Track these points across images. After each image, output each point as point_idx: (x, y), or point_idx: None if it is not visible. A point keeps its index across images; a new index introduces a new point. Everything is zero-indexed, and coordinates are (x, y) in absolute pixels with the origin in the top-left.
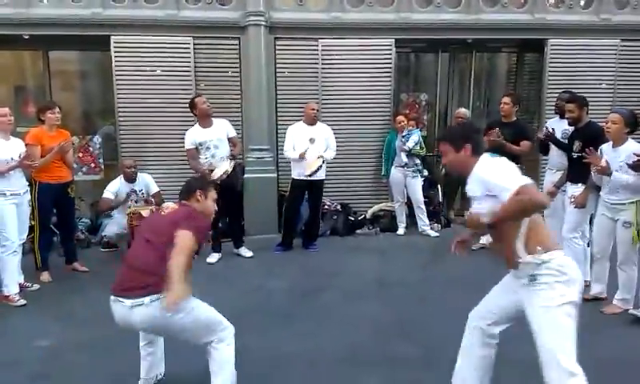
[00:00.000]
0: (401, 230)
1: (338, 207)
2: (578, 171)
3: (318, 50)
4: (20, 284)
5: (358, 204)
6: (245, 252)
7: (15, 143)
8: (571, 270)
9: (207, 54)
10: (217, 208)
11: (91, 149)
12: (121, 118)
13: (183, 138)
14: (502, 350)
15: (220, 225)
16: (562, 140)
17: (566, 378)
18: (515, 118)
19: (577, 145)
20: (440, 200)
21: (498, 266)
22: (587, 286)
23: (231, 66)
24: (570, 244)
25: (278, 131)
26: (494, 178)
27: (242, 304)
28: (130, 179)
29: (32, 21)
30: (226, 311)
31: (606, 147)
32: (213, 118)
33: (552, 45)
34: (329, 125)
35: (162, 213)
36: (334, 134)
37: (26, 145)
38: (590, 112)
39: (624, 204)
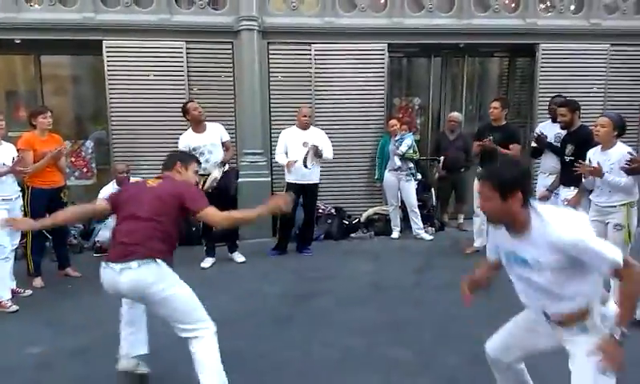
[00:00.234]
0: (395, 234)
1: (333, 211)
2: (570, 174)
3: (311, 54)
4: (12, 290)
5: (352, 208)
6: (238, 257)
7: (7, 148)
8: None
9: (200, 58)
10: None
11: (83, 153)
12: (113, 123)
13: (176, 143)
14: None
15: (214, 229)
16: (555, 144)
17: None
18: (505, 122)
19: (569, 148)
20: (434, 203)
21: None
22: None
23: (224, 70)
24: None
25: (272, 135)
26: (589, 242)
27: (235, 309)
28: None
29: (23, 25)
30: (220, 316)
31: (594, 151)
32: (206, 123)
33: (543, 49)
34: (322, 129)
35: (147, 185)
36: (328, 137)
37: (17, 150)
38: (581, 116)
39: (614, 206)
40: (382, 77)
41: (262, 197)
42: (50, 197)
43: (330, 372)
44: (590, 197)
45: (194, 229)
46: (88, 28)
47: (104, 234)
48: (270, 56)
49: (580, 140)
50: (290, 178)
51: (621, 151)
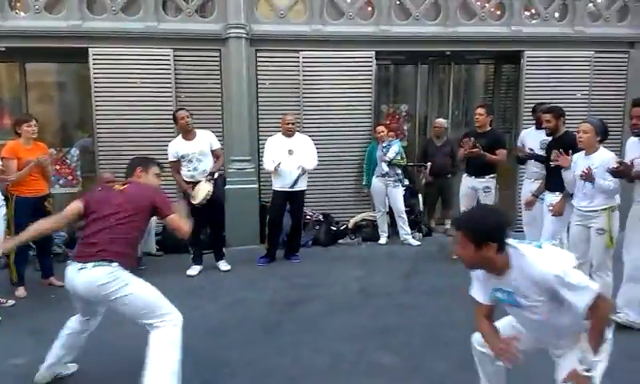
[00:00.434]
0: (383, 240)
1: (320, 217)
2: (555, 180)
3: (299, 62)
4: None
5: (340, 214)
6: (223, 266)
7: None
8: None
9: (188, 66)
10: (195, 219)
11: (68, 161)
12: (99, 131)
13: (162, 150)
14: None
15: (202, 237)
16: (540, 150)
17: None
18: (489, 128)
19: (554, 154)
20: (421, 209)
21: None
22: None
23: (212, 78)
24: None
25: (260, 142)
26: (569, 277)
27: (223, 317)
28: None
29: (8, 32)
30: (208, 324)
31: (577, 155)
32: (196, 130)
33: (528, 56)
34: (310, 136)
35: (114, 189)
36: (316, 144)
37: (1, 158)
38: (565, 122)
39: (596, 211)
40: (370, 84)
41: (249, 204)
42: (34, 205)
43: (319, 378)
44: (573, 202)
45: (179, 237)
46: (74, 36)
47: None
48: (258, 63)
49: (565, 146)
50: (276, 186)
51: (603, 156)
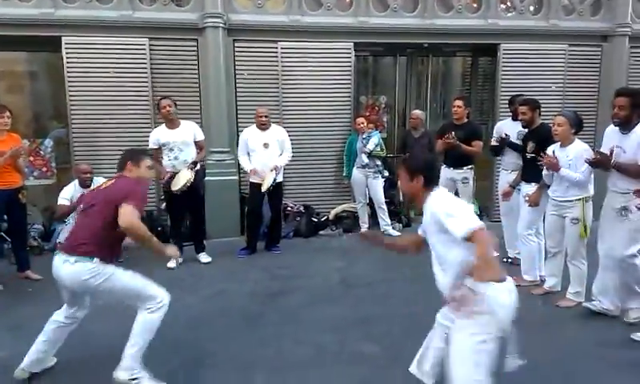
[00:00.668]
0: (363, 230)
1: (301, 209)
2: (531, 171)
3: (277, 52)
4: None
5: (321, 205)
6: (204, 258)
7: None
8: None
9: (164, 55)
10: (175, 210)
11: (42, 152)
12: (74, 121)
13: (138, 140)
14: None
15: (182, 229)
16: (517, 141)
17: None
18: (467, 120)
19: (530, 146)
20: (401, 200)
21: None
22: (543, 280)
23: (189, 68)
24: (525, 241)
25: (239, 133)
26: (454, 211)
27: (204, 309)
28: (86, 185)
29: None
30: (189, 317)
31: (553, 147)
32: (181, 121)
33: (504, 49)
34: (290, 127)
35: (102, 186)
36: (296, 135)
37: None
38: (541, 114)
39: (571, 201)
40: (349, 75)
41: (229, 195)
42: (8, 198)
43: (302, 368)
44: (549, 192)
45: (159, 229)
46: (46, 24)
47: (65, 235)
48: (236, 54)
49: (541, 137)
50: (253, 179)
51: (578, 148)
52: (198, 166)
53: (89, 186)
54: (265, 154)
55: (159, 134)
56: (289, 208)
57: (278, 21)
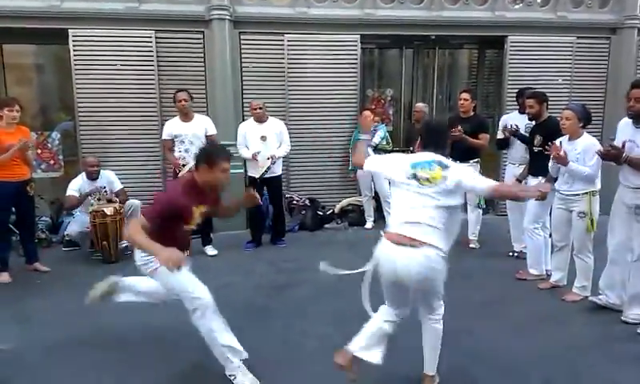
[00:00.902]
0: (369, 224)
1: (307, 202)
2: (538, 164)
3: (283, 45)
4: None
5: (327, 199)
6: (210, 250)
7: None
8: None
9: (170, 48)
10: None
11: (50, 145)
12: (81, 114)
13: (145, 133)
14: None
15: None
16: (524, 133)
17: None
18: (473, 113)
19: (538, 139)
20: None
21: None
22: (549, 274)
23: (195, 60)
24: (532, 235)
25: None
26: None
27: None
28: (93, 177)
29: None
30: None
31: (561, 140)
32: (195, 114)
33: (511, 41)
34: (296, 120)
35: None
36: (301, 129)
37: None
38: (548, 107)
39: (578, 195)
40: (355, 68)
41: (235, 188)
42: (16, 190)
43: (308, 361)
44: (555, 185)
45: None
46: (53, 16)
47: (73, 227)
48: (242, 46)
49: (548, 131)
50: (251, 173)
51: (587, 142)
52: None
53: (96, 179)
54: (263, 146)
55: (172, 127)
56: (294, 202)
57: (284, 13)
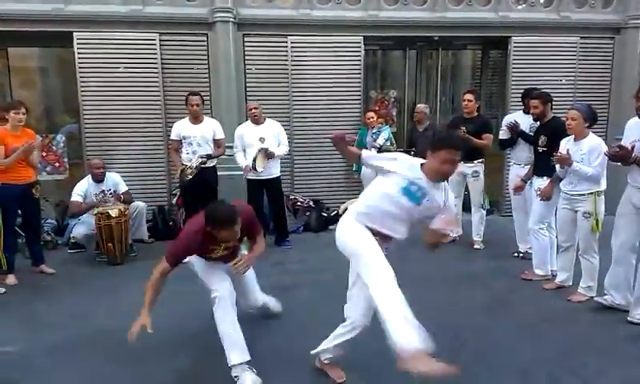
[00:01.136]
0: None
1: (311, 203)
2: (543, 165)
3: (287, 46)
4: None
5: (331, 200)
6: None
7: None
8: None
9: (174, 50)
10: (190, 205)
11: (55, 147)
12: (86, 116)
13: (149, 136)
14: None
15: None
16: (528, 133)
17: None
18: (477, 114)
19: (542, 139)
20: None
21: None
22: (554, 275)
23: (199, 62)
24: (537, 235)
25: None
26: None
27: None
28: (99, 179)
29: None
30: (198, 309)
31: (566, 140)
32: (206, 117)
33: (515, 42)
34: (299, 122)
35: None
36: (305, 130)
37: None
38: (553, 107)
39: (583, 195)
40: (359, 69)
41: (238, 190)
42: (22, 192)
43: (312, 362)
44: (560, 185)
45: (170, 223)
46: (58, 19)
47: (78, 229)
48: (246, 48)
49: (552, 131)
50: (250, 175)
51: (592, 142)
52: (211, 163)
53: (102, 181)
54: (254, 152)
55: (181, 127)
56: (298, 203)
57: (287, 15)
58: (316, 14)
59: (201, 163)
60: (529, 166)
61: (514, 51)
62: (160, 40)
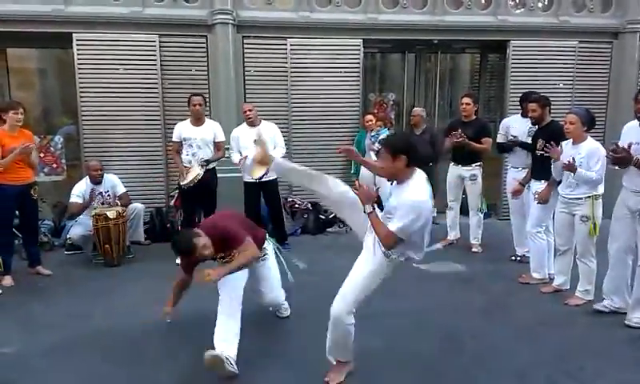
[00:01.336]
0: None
1: (309, 206)
2: (541, 168)
3: (286, 49)
4: None
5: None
6: None
7: None
8: None
9: (174, 52)
10: (189, 207)
11: (52, 149)
12: (84, 118)
13: (148, 137)
14: None
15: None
16: (527, 137)
17: None
18: (475, 117)
19: (540, 143)
20: None
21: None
22: (552, 278)
23: (198, 64)
24: (534, 238)
25: None
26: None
27: (213, 304)
28: (96, 181)
29: None
30: (199, 313)
31: (565, 144)
32: (207, 119)
33: (514, 46)
34: (298, 124)
35: None
36: (304, 132)
37: None
38: (551, 111)
39: (581, 198)
40: (358, 72)
41: (237, 192)
42: (20, 193)
43: (313, 362)
44: (558, 189)
45: (168, 225)
46: (58, 20)
47: (75, 231)
48: (245, 50)
49: (550, 135)
50: (247, 178)
51: (590, 146)
52: (211, 165)
53: (100, 183)
54: (254, 150)
55: (182, 129)
56: (296, 205)
57: (287, 17)
58: (315, 17)
59: (202, 171)
60: (526, 170)
61: (513, 55)
62: (159, 42)
